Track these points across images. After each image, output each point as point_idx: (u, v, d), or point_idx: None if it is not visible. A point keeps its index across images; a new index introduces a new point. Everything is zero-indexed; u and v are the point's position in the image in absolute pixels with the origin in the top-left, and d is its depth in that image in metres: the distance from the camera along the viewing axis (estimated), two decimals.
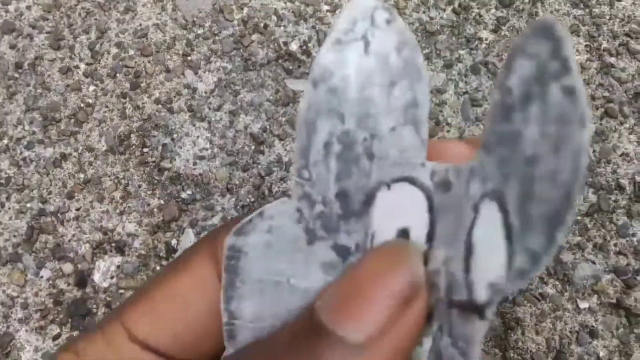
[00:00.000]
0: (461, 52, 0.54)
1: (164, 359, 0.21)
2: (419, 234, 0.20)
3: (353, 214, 0.20)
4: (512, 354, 0.47)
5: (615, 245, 0.49)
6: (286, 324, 0.19)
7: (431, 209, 0.19)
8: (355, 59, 0.18)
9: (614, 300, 0.48)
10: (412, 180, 0.19)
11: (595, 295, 0.48)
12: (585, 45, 0.54)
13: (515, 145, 0.16)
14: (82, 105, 0.55)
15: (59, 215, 0.52)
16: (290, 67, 0.54)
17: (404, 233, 0.19)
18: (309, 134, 0.19)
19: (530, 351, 0.47)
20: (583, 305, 0.48)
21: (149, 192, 0.52)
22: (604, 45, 0.54)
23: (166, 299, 0.22)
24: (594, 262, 0.49)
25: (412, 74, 0.18)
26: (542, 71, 0.16)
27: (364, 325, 0.17)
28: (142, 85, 0.55)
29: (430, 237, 0.19)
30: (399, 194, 0.19)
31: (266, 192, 0.52)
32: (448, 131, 0.52)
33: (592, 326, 0.48)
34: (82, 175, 0.53)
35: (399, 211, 0.20)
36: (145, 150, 0.53)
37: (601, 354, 0.47)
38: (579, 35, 0.54)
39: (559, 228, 0.15)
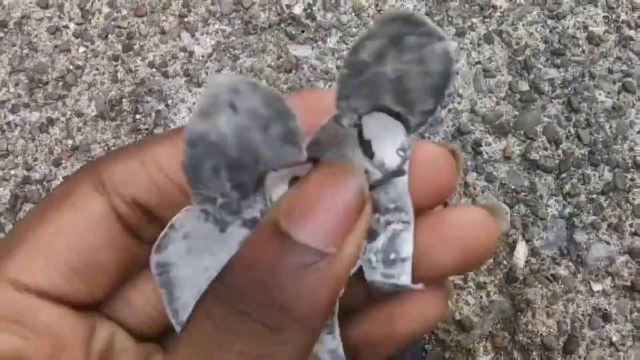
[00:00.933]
0: (474, 20, 0.51)
1: (59, 302, 0.21)
2: (307, 172, 0.23)
3: (249, 193, 0.22)
4: (521, 337, 0.45)
5: (630, 225, 0.47)
6: (246, 240, 0.20)
7: (311, 160, 0.22)
8: (226, 118, 0.20)
9: (628, 283, 0.46)
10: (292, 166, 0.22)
11: (609, 278, 0.46)
12: (604, 17, 0.51)
13: (376, 81, 0.21)
14: (71, 67, 0.51)
15: (44, 183, 0.49)
16: (294, 32, 0.51)
17: (295, 178, 0.22)
18: (196, 172, 0.21)
19: (541, 334, 0.45)
20: (596, 287, 0.46)
21: None
22: (623, 17, 0.51)
23: (55, 238, 0.21)
24: (608, 243, 0.47)
25: (283, 116, 0.20)
26: (395, 38, 0.21)
27: (324, 233, 0.19)
28: (135, 47, 0.52)
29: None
30: (282, 170, 0.22)
31: None
32: (459, 103, 0.49)
33: (605, 309, 0.45)
34: (70, 142, 0.50)
35: (286, 174, 0.22)
36: (137, 116, 0.50)
37: (614, 339, 0.45)
38: (596, 6, 0.52)
39: (443, 92, 0.21)
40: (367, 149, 0.23)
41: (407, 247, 0.23)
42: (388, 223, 0.23)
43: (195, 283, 0.22)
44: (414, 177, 0.22)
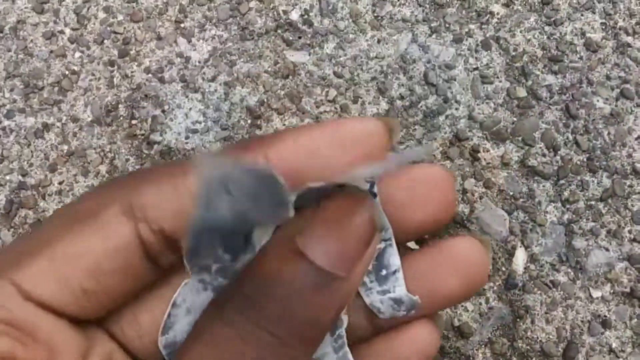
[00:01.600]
0: (471, 26, 0.51)
1: (61, 315, 0.21)
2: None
3: (240, 251, 0.23)
4: (520, 344, 0.45)
5: (629, 232, 0.47)
6: (262, 250, 0.22)
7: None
8: (225, 205, 0.22)
9: (627, 289, 0.46)
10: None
11: (609, 284, 0.46)
12: (601, 23, 0.51)
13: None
14: (67, 72, 0.51)
15: (40, 189, 0.48)
16: (290, 38, 0.51)
17: (279, 227, 0.23)
18: (196, 252, 0.22)
19: (540, 341, 0.45)
20: (596, 294, 0.46)
21: (137, 167, 0.49)
22: (620, 23, 0.51)
23: (74, 258, 0.21)
24: (607, 249, 0.46)
25: (273, 188, 0.22)
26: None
27: (339, 258, 0.20)
28: (131, 52, 0.51)
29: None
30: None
31: None
32: (457, 109, 0.49)
33: (605, 316, 0.45)
34: (65, 147, 0.49)
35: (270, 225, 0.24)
36: (133, 122, 0.50)
37: (613, 345, 0.45)
38: (594, 12, 0.52)
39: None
40: (338, 186, 0.23)
41: (394, 260, 0.24)
42: None
43: None
44: (414, 198, 0.23)
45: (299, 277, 0.20)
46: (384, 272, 0.24)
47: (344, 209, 0.22)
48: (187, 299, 0.23)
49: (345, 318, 0.23)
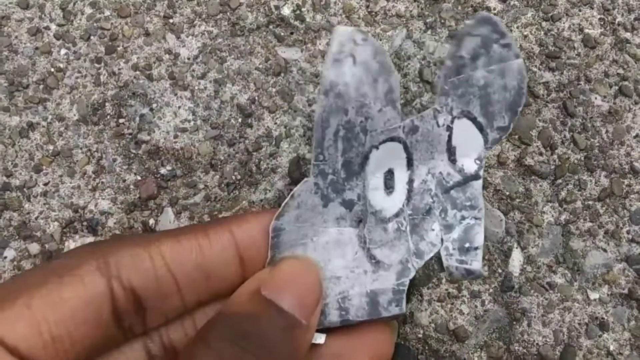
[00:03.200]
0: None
1: None
2: (400, 167, 0.29)
3: (354, 174, 0.28)
4: (517, 347, 0.44)
5: (627, 232, 0.46)
6: (230, 302, 0.26)
7: (406, 148, 0.28)
8: (349, 70, 0.26)
9: (625, 291, 0.45)
10: (392, 139, 0.28)
11: (606, 285, 0.45)
12: (599, 19, 0.50)
13: (469, 84, 0.27)
14: (53, 70, 0.50)
15: (25, 190, 0.47)
16: (282, 34, 0.50)
17: (389, 172, 0.29)
18: (324, 129, 0.27)
19: (537, 344, 0.44)
20: (593, 295, 0.45)
21: (124, 167, 0.48)
22: (619, 19, 0.50)
23: (48, 306, 0.23)
24: (605, 250, 0.46)
25: (386, 71, 0.27)
26: (486, 41, 0.27)
27: (300, 307, 0.25)
28: (118, 49, 0.50)
29: (410, 163, 0.29)
30: (383, 150, 0.28)
31: (254, 169, 0.47)
32: None
33: (603, 318, 0.44)
34: (51, 147, 0.48)
35: (385, 160, 0.28)
36: (121, 120, 0.48)
37: (611, 348, 0.44)
38: (592, 8, 0.51)
39: (516, 109, 0.28)
40: (451, 155, 0.29)
41: (479, 238, 0.29)
42: (463, 218, 0.29)
43: (292, 246, 0.28)
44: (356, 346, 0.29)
45: (274, 319, 0.24)
46: (467, 245, 0.28)
47: (298, 269, 0.26)
48: (301, 194, 0.27)
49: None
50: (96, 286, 0.24)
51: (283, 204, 0.27)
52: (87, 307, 0.23)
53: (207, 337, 0.24)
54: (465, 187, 0.28)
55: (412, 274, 0.28)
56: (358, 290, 0.28)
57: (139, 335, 0.27)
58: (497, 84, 0.27)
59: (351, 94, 0.26)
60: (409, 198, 0.29)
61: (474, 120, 0.28)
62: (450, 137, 0.28)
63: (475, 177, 0.28)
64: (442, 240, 0.28)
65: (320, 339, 0.27)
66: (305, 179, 0.27)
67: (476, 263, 0.28)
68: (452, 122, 0.28)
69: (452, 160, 0.28)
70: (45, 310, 0.22)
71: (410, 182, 0.29)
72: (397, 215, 0.29)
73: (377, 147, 0.28)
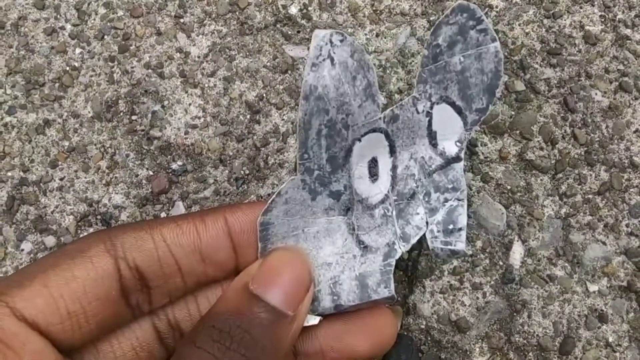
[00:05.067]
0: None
1: (45, 336, 0.24)
2: (383, 155, 0.30)
3: (339, 167, 0.29)
4: (517, 338, 0.45)
5: (627, 225, 0.47)
6: (222, 299, 0.27)
7: (387, 137, 0.29)
8: (327, 73, 0.27)
9: (624, 283, 0.46)
10: (373, 130, 0.29)
11: (605, 278, 0.46)
12: (600, 16, 0.51)
13: (446, 70, 0.28)
14: (68, 68, 0.51)
15: (41, 185, 0.49)
16: (290, 32, 0.51)
17: (373, 160, 0.30)
18: (306, 130, 0.28)
19: (537, 335, 0.45)
20: (592, 288, 0.46)
21: (137, 162, 0.49)
22: (620, 16, 0.51)
23: (63, 284, 0.25)
24: (604, 243, 0.47)
25: (364, 68, 0.28)
26: (463, 28, 0.28)
27: (285, 300, 0.26)
28: (131, 48, 0.52)
29: (392, 150, 0.30)
30: (366, 141, 0.29)
31: (262, 164, 0.49)
32: None
33: (602, 310, 0.45)
34: (66, 143, 0.50)
35: (368, 150, 0.29)
36: (133, 117, 0.50)
37: (610, 339, 0.45)
38: (593, 5, 0.51)
39: (494, 90, 0.28)
40: (432, 139, 0.29)
41: (462, 219, 0.30)
42: (446, 200, 0.30)
43: (284, 238, 0.29)
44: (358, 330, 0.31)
45: (258, 313, 0.25)
46: (450, 226, 0.29)
47: (288, 260, 0.28)
48: (288, 191, 0.29)
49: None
50: (104, 265, 0.26)
51: (270, 201, 0.28)
52: (97, 285, 0.25)
53: (194, 338, 0.25)
54: (447, 169, 0.29)
55: (397, 255, 0.30)
56: (348, 274, 0.30)
57: (147, 314, 0.29)
58: (474, 67, 0.28)
59: (331, 95, 0.27)
60: (393, 184, 0.30)
61: (452, 104, 0.29)
62: (430, 122, 0.29)
63: (457, 159, 0.29)
64: (427, 223, 0.30)
65: (313, 320, 0.29)
66: (292, 177, 0.29)
67: (460, 244, 0.29)
68: (431, 107, 0.29)
69: (434, 144, 0.29)
70: (60, 288, 0.24)
71: (394, 168, 0.30)
72: (382, 201, 0.30)
73: (359, 140, 0.29)
